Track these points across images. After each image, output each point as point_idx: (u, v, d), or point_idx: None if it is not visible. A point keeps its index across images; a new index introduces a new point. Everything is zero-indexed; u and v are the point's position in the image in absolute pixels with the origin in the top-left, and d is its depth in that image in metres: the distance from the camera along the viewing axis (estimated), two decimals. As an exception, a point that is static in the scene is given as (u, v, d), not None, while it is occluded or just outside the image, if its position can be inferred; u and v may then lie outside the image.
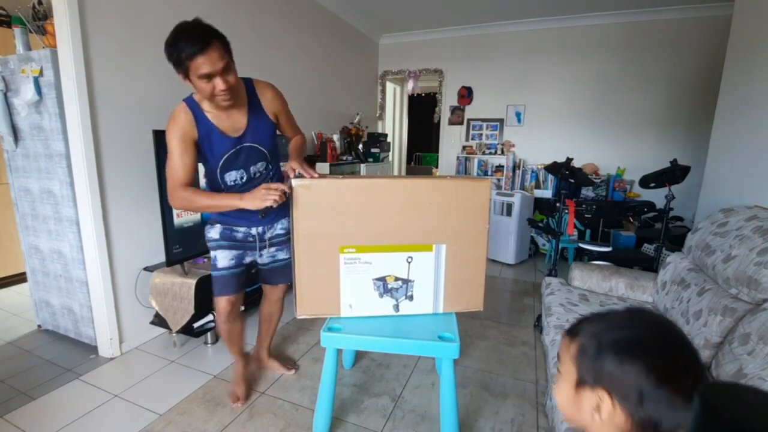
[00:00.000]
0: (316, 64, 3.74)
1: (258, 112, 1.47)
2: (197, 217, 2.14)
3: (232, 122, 1.42)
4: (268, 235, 1.63)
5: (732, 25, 2.37)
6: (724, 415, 0.34)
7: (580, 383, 0.58)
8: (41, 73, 1.85)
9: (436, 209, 1.37)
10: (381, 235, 1.37)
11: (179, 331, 2.09)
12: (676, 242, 2.83)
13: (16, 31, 1.94)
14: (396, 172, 5.84)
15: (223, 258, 1.56)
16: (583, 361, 0.58)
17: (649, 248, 3.21)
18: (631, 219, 3.60)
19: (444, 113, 4.87)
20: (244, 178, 1.50)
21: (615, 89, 4.06)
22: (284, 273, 1.73)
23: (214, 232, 1.57)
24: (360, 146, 4.15)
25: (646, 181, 2.47)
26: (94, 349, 2.09)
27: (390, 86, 5.39)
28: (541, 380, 1.91)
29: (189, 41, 1.19)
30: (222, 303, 1.59)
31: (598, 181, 3.94)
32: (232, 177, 1.48)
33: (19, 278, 2.96)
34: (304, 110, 3.62)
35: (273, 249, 1.66)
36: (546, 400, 1.58)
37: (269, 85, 1.52)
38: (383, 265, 1.40)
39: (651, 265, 2.59)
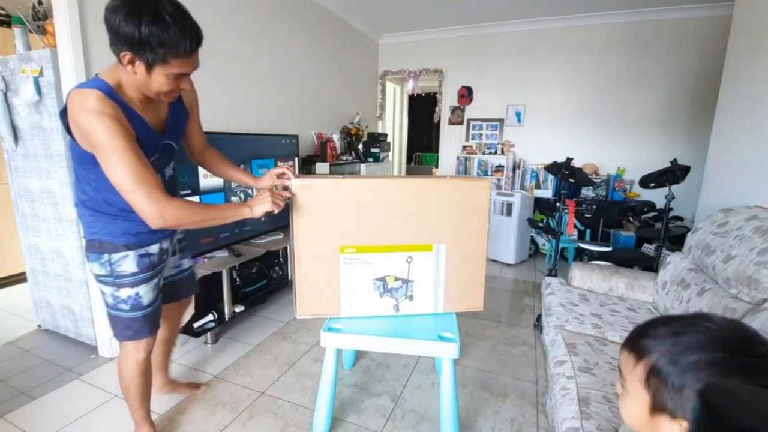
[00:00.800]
0: (316, 64, 3.74)
1: (178, 104, 1.27)
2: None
3: (158, 115, 1.19)
4: (174, 241, 1.42)
5: (732, 25, 2.37)
6: (724, 415, 0.34)
7: (656, 409, 0.53)
8: (41, 73, 1.85)
9: (436, 209, 1.37)
10: (381, 235, 1.37)
11: (179, 331, 2.09)
12: (676, 242, 2.82)
13: (16, 31, 1.94)
14: (396, 172, 5.84)
15: (147, 292, 1.27)
16: (660, 388, 0.52)
17: (649, 248, 3.21)
18: (631, 219, 3.60)
19: (444, 113, 4.87)
20: (164, 178, 1.29)
21: (615, 89, 4.05)
22: (191, 283, 1.54)
23: (128, 264, 1.22)
24: (360, 146, 4.15)
25: (646, 181, 2.47)
26: (94, 349, 2.09)
27: (390, 86, 5.39)
28: (541, 380, 1.91)
29: (182, 33, 0.99)
30: (138, 349, 1.31)
31: (598, 181, 3.94)
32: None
33: (19, 278, 2.96)
34: (304, 110, 3.62)
35: (177, 257, 1.45)
36: (546, 400, 1.58)
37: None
38: (383, 265, 1.40)
39: (651, 265, 2.59)
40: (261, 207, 1.17)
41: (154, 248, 1.30)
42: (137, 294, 1.26)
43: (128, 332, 1.29)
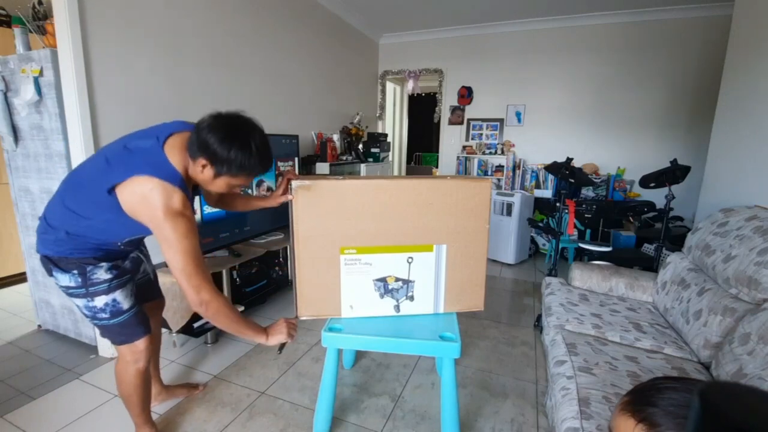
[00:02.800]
0: (316, 64, 3.74)
1: None
2: (197, 216, 2.14)
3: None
4: (142, 248, 1.45)
5: (732, 25, 2.37)
6: (724, 415, 0.34)
7: None
8: (41, 73, 1.85)
9: (436, 209, 1.37)
10: (381, 235, 1.37)
11: (179, 331, 2.09)
12: (676, 242, 2.83)
13: (16, 31, 1.94)
14: (396, 172, 5.84)
15: (124, 297, 1.28)
16: None
17: (649, 248, 3.21)
18: (631, 219, 3.60)
19: (444, 113, 4.87)
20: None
21: (615, 89, 4.06)
22: (157, 286, 1.58)
23: (102, 273, 1.22)
24: (360, 146, 4.15)
25: (646, 181, 2.47)
26: (94, 349, 2.09)
27: (390, 86, 5.39)
28: (541, 380, 1.91)
29: (259, 164, 1.13)
30: (142, 345, 1.32)
31: (598, 181, 3.94)
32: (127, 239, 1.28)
33: (19, 278, 2.96)
34: (304, 110, 3.62)
35: (144, 263, 1.47)
36: (546, 400, 1.58)
37: None
38: (384, 265, 1.40)
39: (651, 265, 2.59)
40: (277, 338, 1.26)
41: (126, 257, 1.33)
42: (114, 300, 1.25)
43: (121, 337, 1.29)
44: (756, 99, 2.07)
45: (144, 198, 1.06)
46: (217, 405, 1.70)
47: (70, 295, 1.24)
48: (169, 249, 1.08)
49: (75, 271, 1.20)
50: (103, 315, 1.25)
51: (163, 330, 2.16)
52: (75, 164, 1.88)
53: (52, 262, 1.21)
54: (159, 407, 1.67)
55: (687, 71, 3.77)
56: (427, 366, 2.02)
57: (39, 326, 2.34)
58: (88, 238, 1.19)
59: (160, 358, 1.95)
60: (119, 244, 1.26)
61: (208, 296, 1.11)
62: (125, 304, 1.28)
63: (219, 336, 2.27)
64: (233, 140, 1.07)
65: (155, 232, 1.09)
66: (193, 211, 1.17)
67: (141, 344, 1.32)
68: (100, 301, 1.23)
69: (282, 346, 1.31)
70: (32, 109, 1.94)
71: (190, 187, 1.17)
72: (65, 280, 1.21)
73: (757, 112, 2.05)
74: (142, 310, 1.36)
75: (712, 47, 3.57)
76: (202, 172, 1.12)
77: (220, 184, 1.15)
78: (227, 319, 1.16)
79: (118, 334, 1.29)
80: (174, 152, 1.12)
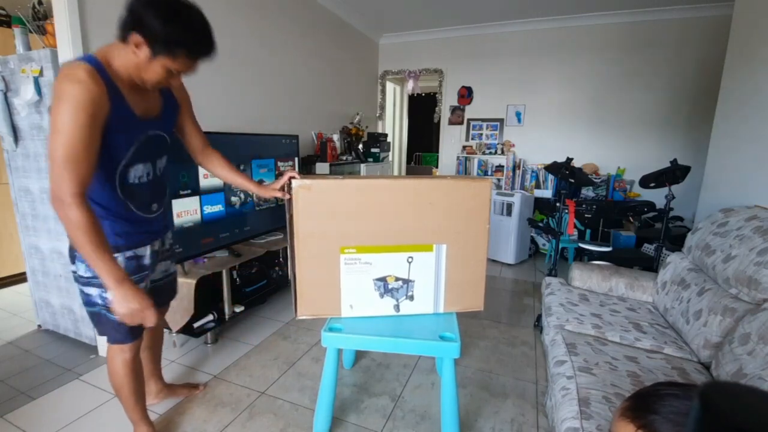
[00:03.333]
0: (316, 64, 3.74)
1: (169, 95, 1.27)
2: (198, 217, 2.14)
3: (146, 102, 1.16)
4: (165, 245, 1.40)
5: (732, 25, 2.37)
6: (724, 415, 0.34)
7: None
8: (41, 73, 1.85)
9: (436, 209, 1.37)
10: (381, 235, 1.37)
11: (179, 331, 2.09)
12: (676, 242, 2.83)
13: (16, 31, 1.94)
14: (396, 172, 5.84)
15: None
16: None
17: (649, 248, 3.21)
18: (631, 219, 3.60)
19: (444, 113, 4.87)
20: (150, 174, 1.24)
21: (615, 89, 4.06)
22: (173, 288, 1.53)
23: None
24: (360, 146, 4.15)
25: (646, 181, 2.47)
26: (94, 349, 2.09)
27: (390, 86, 5.39)
28: (541, 380, 1.91)
29: (205, 40, 1.05)
30: (124, 350, 1.29)
31: (598, 181, 3.94)
32: (138, 172, 1.19)
33: (19, 278, 2.96)
34: (305, 110, 3.62)
35: (168, 262, 1.44)
36: (546, 400, 1.58)
37: None
38: (384, 265, 1.40)
39: (651, 265, 2.59)
40: (118, 304, 1.07)
41: (143, 250, 1.26)
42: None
43: (118, 335, 1.27)
44: (756, 99, 2.07)
45: (54, 86, 0.99)
46: (217, 405, 1.70)
47: (86, 284, 1.20)
48: (53, 126, 0.97)
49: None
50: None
51: (164, 330, 2.17)
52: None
53: (74, 248, 1.18)
54: (158, 407, 1.67)
55: (687, 71, 3.77)
56: (427, 366, 2.02)
57: (39, 326, 2.34)
58: (100, 193, 1.13)
59: (161, 357, 1.95)
60: (116, 186, 1.16)
61: (59, 203, 0.99)
62: None
63: (219, 336, 2.27)
64: (170, 12, 0.98)
65: (51, 123, 0.99)
66: (114, 109, 1.05)
67: (131, 347, 1.31)
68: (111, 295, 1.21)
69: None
70: (32, 109, 1.94)
71: (123, 87, 1.07)
72: (83, 269, 1.19)
73: (758, 112, 2.05)
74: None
75: (712, 47, 3.57)
76: (136, 53, 1.01)
77: (156, 70, 1.04)
78: (76, 234, 1.01)
79: (117, 331, 1.26)
80: (97, 51, 1.07)
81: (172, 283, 1.51)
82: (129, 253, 1.22)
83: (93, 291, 1.22)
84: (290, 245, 1.37)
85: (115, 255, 1.16)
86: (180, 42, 1.01)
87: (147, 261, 1.28)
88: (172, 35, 1.00)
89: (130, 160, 1.16)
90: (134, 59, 1.04)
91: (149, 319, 1.11)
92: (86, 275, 1.20)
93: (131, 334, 1.28)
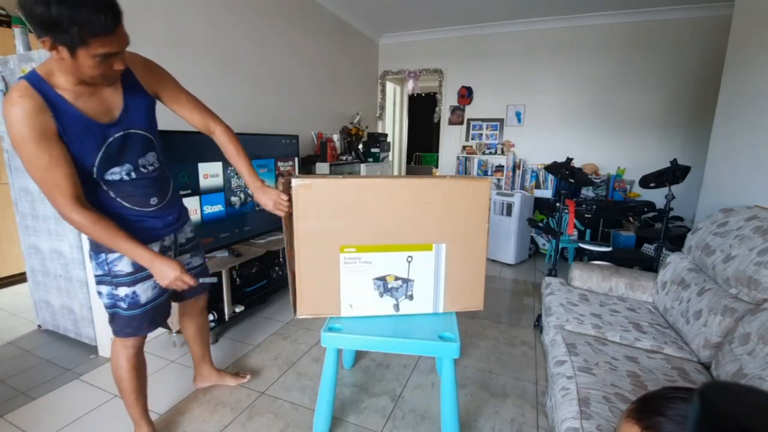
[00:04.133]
0: (317, 64, 3.74)
1: (134, 88, 1.19)
2: (198, 217, 2.14)
3: (103, 103, 1.11)
4: (179, 241, 1.43)
5: (732, 25, 2.37)
6: (724, 415, 0.34)
7: None
8: (41, 73, 1.85)
9: (436, 209, 1.37)
10: (381, 234, 1.37)
11: (179, 331, 2.09)
12: (676, 242, 2.83)
13: (16, 31, 1.94)
14: (396, 172, 5.84)
15: (145, 290, 1.29)
16: None
17: (649, 248, 3.21)
18: (631, 219, 3.60)
19: (444, 113, 4.88)
20: (132, 174, 1.21)
21: (615, 89, 4.06)
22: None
23: (123, 264, 1.23)
24: (360, 146, 4.15)
25: (646, 181, 2.47)
26: (94, 349, 2.09)
27: (390, 86, 5.39)
28: (541, 380, 1.91)
29: (98, 11, 0.91)
30: (126, 345, 1.33)
31: (598, 181, 3.94)
32: (116, 175, 1.17)
33: (19, 278, 2.96)
34: (305, 110, 3.62)
35: (187, 256, 1.48)
36: (546, 400, 1.58)
37: (137, 54, 1.20)
38: (383, 264, 1.40)
39: (651, 265, 2.59)
40: (160, 273, 1.18)
41: (152, 246, 1.29)
42: (134, 293, 1.28)
43: (128, 330, 1.31)
44: (756, 99, 2.07)
45: (3, 109, 0.98)
46: (217, 405, 1.70)
47: (99, 282, 1.27)
48: (31, 175, 1.03)
49: (102, 259, 1.23)
50: (122, 305, 1.28)
51: (164, 330, 2.17)
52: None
53: (90, 246, 1.26)
54: (159, 407, 1.67)
55: (687, 71, 3.77)
56: (427, 366, 2.02)
57: (39, 326, 2.34)
58: (91, 198, 1.15)
59: (161, 357, 1.96)
60: (111, 196, 1.18)
61: (64, 217, 1.07)
62: (143, 298, 1.30)
63: (219, 336, 2.27)
64: (49, 2, 0.87)
65: (17, 153, 1.01)
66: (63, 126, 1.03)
67: (137, 341, 1.35)
68: (122, 291, 1.26)
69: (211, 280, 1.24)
70: (32, 109, 1.94)
71: (70, 94, 1.04)
72: (95, 267, 1.26)
73: (758, 112, 2.05)
74: (159, 308, 1.36)
75: (712, 47, 3.57)
76: (60, 57, 0.95)
77: (87, 63, 0.96)
78: (93, 233, 1.09)
79: (127, 326, 1.30)
80: (42, 63, 1.06)
81: (200, 275, 1.50)
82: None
83: (103, 289, 1.28)
84: (287, 244, 1.37)
85: (121, 254, 1.21)
86: (72, 21, 0.89)
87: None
88: (59, 16, 0.87)
89: (102, 164, 1.13)
90: (64, 64, 0.98)
91: (189, 281, 1.20)
92: (97, 273, 1.27)
93: (143, 327, 1.33)
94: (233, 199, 2.37)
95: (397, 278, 1.42)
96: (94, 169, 1.13)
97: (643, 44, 3.88)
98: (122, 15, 0.98)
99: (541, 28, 4.21)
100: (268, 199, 1.34)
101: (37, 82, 1.01)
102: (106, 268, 1.24)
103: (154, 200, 1.28)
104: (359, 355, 2.09)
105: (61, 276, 2.11)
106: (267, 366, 2.00)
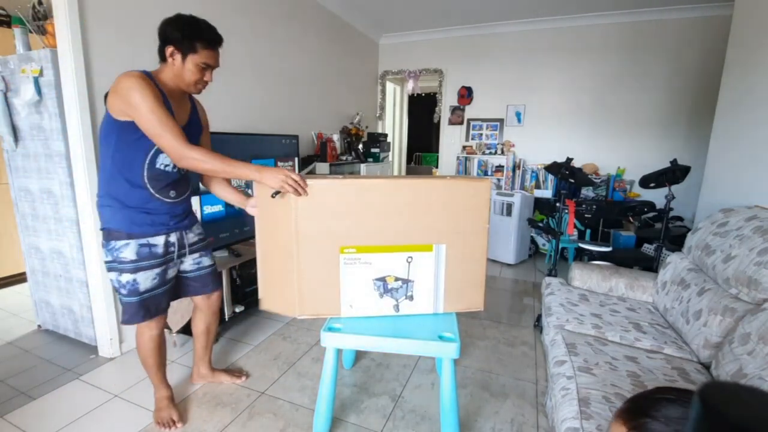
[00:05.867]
0: (316, 64, 3.74)
1: (195, 113, 1.54)
2: (197, 217, 2.14)
3: (181, 112, 1.44)
4: (186, 240, 1.55)
5: (732, 25, 2.37)
6: (724, 415, 0.34)
7: None
8: (41, 73, 1.85)
9: (435, 209, 1.37)
10: (381, 235, 1.37)
11: (179, 331, 2.09)
12: (676, 242, 2.83)
13: (16, 31, 1.94)
14: (396, 172, 5.84)
15: (144, 279, 1.42)
16: None
17: (649, 248, 3.21)
18: (631, 219, 3.60)
19: (444, 113, 4.87)
20: (168, 168, 1.43)
21: (615, 89, 4.06)
22: (213, 280, 1.68)
23: (128, 252, 1.38)
24: (360, 146, 4.15)
25: (646, 181, 2.47)
26: (94, 349, 2.09)
27: (390, 86, 5.39)
28: (541, 380, 1.91)
29: (212, 32, 1.36)
30: (150, 327, 1.50)
31: (598, 181, 3.94)
32: (166, 160, 1.40)
33: (19, 278, 2.96)
34: (305, 110, 3.62)
35: (196, 255, 1.60)
36: (546, 400, 1.58)
37: (200, 102, 1.61)
38: (383, 265, 1.40)
39: (651, 265, 2.59)
40: (270, 177, 1.27)
41: (157, 240, 1.43)
42: (134, 280, 1.40)
43: (125, 316, 1.45)
44: (756, 99, 2.07)
45: (117, 86, 1.26)
46: (217, 405, 1.70)
47: (108, 269, 1.42)
48: (137, 114, 1.26)
49: (111, 246, 1.38)
50: (123, 291, 1.42)
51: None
52: (75, 164, 1.88)
53: (102, 235, 1.41)
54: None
55: (687, 71, 3.77)
56: (427, 366, 2.02)
57: (39, 326, 2.34)
58: (120, 187, 1.36)
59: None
60: (144, 179, 1.38)
61: (179, 156, 1.29)
62: (142, 287, 1.42)
63: (219, 336, 2.27)
64: (184, 22, 1.33)
65: (126, 106, 1.26)
66: (163, 104, 1.30)
67: (149, 326, 1.49)
68: (125, 278, 1.40)
69: (276, 192, 1.27)
70: (32, 109, 1.94)
71: (165, 90, 1.35)
72: (105, 254, 1.40)
73: (757, 112, 2.05)
74: (157, 299, 1.47)
75: (712, 47, 3.57)
76: (173, 62, 1.34)
77: (190, 68, 1.34)
78: (206, 162, 1.29)
79: (124, 312, 1.44)
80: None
81: (210, 274, 1.67)
82: (142, 241, 1.40)
83: (112, 275, 1.41)
84: (291, 245, 1.37)
85: (127, 242, 1.38)
86: (194, 37, 1.32)
87: (159, 250, 1.44)
88: (188, 34, 1.32)
89: (159, 151, 1.37)
90: (174, 69, 1.35)
91: (295, 177, 1.26)
92: (107, 259, 1.41)
93: (138, 315, 1.44)
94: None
95: (397, 279, 1.42)
96: (153, 150, 1.36)
97: (643, 44, 3.88)
98: (222, 42, 1.41)
99: (541, 28, 4.21)
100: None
101: (148, 74, 1.33)
102: (114, 255, 1.38)
103: (172, 193, 1.46)
104: (359, 355, 2.09)
105: (61, 276, 2.11)
106: (267, 366, 2.00)
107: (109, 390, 1.78)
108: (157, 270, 1.44)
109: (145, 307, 1.45)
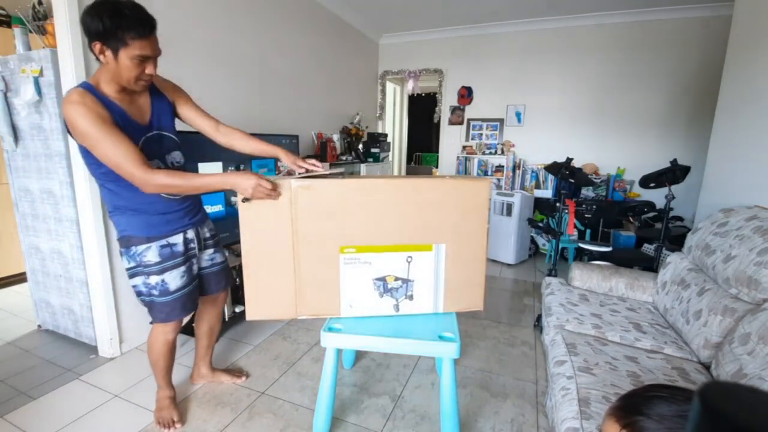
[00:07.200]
0: (316, 64, 3.73)
1: (158, 94, 1.41)
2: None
3: (139, 109, 1.33)
4: (202, 235, 1.55)
5: (732, 25, 2.37)
6: (724, 415, 0.34)
7: None
8: (41, 73, 1.85)
9: (436, 209, 1.37)
10: (381, 235, 1.37)
11: (180, 331, 2.08)
12: (676, 242, 2.83)
13: (16, 31, 1.94)
14: (396, 172, 5.84)
15: (173, 279, 1.42)
16: None
17: (649, 248, 3.21)
18: (631, 219, 3.60)
19: (444, 113, 4.87)
20: (170, 164, 1.43)
21: (615, 89, 4.05)
22: (225, 277, 1.68)
23: (151, 255, 1.37)
24: (360, 146, 4.15)
25: (646, 181, 2.47)
26: (94, 349, 2.09)
27: (390, 86, 5.39)
28: (541, 380, 1.91)
29: (137, 20, 1.16)
30: (173, 327, 1.50)
31: (598, 181, 3.94)
32: (156, 161, 1.37)
33: (19, 278, 2.96)
34: (304, 110, 3.62)
35: (210, 251, 1.61)
36: (546, 400, 1.58)
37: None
38: (383, 264, 1.40)
39: (651, 265, 2.59)
40: (243, 183, 1.24)
41: (175, 238, 1.43)
42: (163, 281, 1.41)
43: (161, 315, 1.45)
44: (756, 99, 2.07)
45: (64, 110, 1.17)
46: (217, 405, 1.70)
47: (132, 275, 1.41)
48: (90, 145, 1.18)
49: (132, 252, 1.37)
50: (155, 292, 1.41)
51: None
52: (75, 164, 1.88)
53: (120, 244, 1.39)
54: (159, 407, 1.67)
55: (687, 71, 3.77)
56: (427, 366, 2.02)
57: (39, 326, 2.34)
58: (124, 204, 1.33)
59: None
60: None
61: (143, 184, 1.21)
62: (172, 286, 1.42)
63: (219, 336, 2.26)
64: (102, 8, 1.14)
65: (85, 143, 1.19)
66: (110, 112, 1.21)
67: (172, 326, 1.49)
68: (153, 279, 1.40)
69: (246, 198, 1.28)
70: (32, 109, 1.94)
71: (115, 99, 1.25)
72: (126, 262, 1.40)
73: (758, 112, 2.05)
74: (189, 295, 1.48)
75: (712, 47, 3.57)
76: (105, 60, 1.19)
77: (126, 64, 1.19)
78: (174, 183, 1.23)
79: (160, 312, 1.44)
80: (90, 78, 1.28)
81: (223, 271, 1.67)
82: (162, 242, 1.40)
83: (138, 280, 1.41)
84: (290, 245, 1.37)
85: (148, 245, 1.37)
86: (120, 26, 1.14)
87: (180, 248, 1.44)
88: (112, 25, 1.14)
89: None
90: (109, 67, 1.21)
91: (266, 185, 1.24)
92: (130, 266, 1.39)
93: (175, 312, 1.45)
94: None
95: (397, 278, 1.42)
96: None
97: (643, 44, 3.88)
98: (156, 26, 1.22)
99: (541, 28, 4.21)
100: (298, 163, 1.47)
101: (88, 87, 1.22)
102: (138, 259, 1.38)
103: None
104: (359, 355, 2.09)
105: (61, 276, 2.11)
106: (267, 366, 2.00)
107: (109, 390, 1.78)
108: (182, 268, 1.45)
109: (181, 305, 1.46)
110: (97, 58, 1.20)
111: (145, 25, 1.18)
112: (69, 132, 1.21)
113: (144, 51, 1.20)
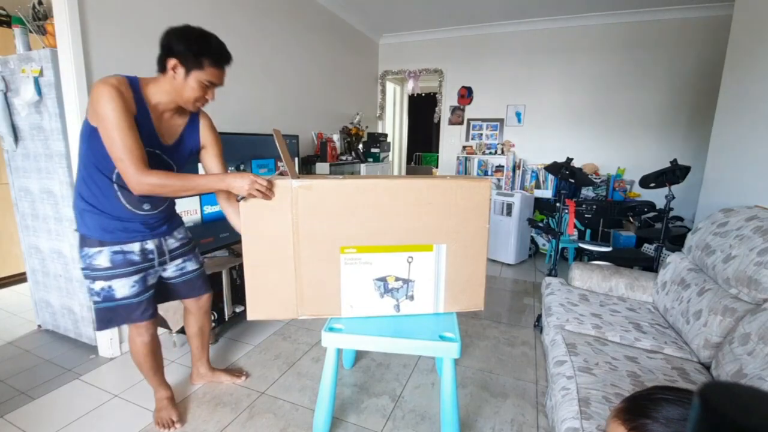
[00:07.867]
0: (316, 64, 3.74)
1: (193, 131, 1.45)
2: (198, 217, 2.14)
3: (168, 127, 1.36)
4: (166, 247, 1.49)
5: (732, 25, 2.37)
6: (724, 415, 0.34)
7: None
8: (41, 73, 1.85)
9: (436, 209, 1.37)
10: (381, 235, 1.37)
11: (179, 331, 2.09)
12: (676, 242, 2.83)
13: (16, 31, 1.94)
14: (396, 172, 5.84)
15: (122, 287, 1.37)
16: None
17: (649, 248, 3.21)
18: (631, 219, 3.60)
19: (444, 113, 4.87)
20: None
21: (615, 89, 4.05)
22: (203, 283, 1.66)
23: (102, 259, 1.33)
24: (360, 146, 4.15)
25: (646, 181, 2.47)
26: (94, 349, 2.09)
27: (390, 86, 5.39)
28: (541, 380, 1.91)
29: (222, 49, 1.29)
30: (146, 328, 1.45)
31: (598, 181, 3.94)
32: None
33: (19, 278, 2.96)
34: (304, 110, 3.62)
35: (179, 261, 1.55)
36: (546, 400, 1.58)
37: (208, 115, 1.51)
38: (384, 265, 1.40)
39: (651, 265, 2.59)
40: (238, 183, 1.24)
41: (131, 247, 1.38)
42: (110, 287, 1.36)
43: (100, 323, 1.41)
44: (756, 99, 2.07)
45: (92, 90, 1.19)
46: (217, 405, 1.70)
47: (83, 276, 1.37)
48: (102, 127, 1.18)
49: (84, 253, 1.33)
50: (97, 298, 1.38)
51: (164, 330, 2.17)
52: (75, 164, 1.88)
53: (78, 240, 1.36)
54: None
55: (687, 71, 3.77)
56: (427, 366, 2.02)
57: (39, 326, 2.34)
58: (92, 192, 1.30)
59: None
60: (115, 189, 1.30)
61: (136, 182, 1.20)
62: (119, 294, 1.37)
63: (219, 336, 2.27)
64: (191, 35, 1.24)
65: (99, 124, 1.18)
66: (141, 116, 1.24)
67: (142, 323, 1.44)
68: (98, 285, 1.36)
69: (242, 197, 1.28)
70: (32, 109, 1.94)
71: (151, 108, 1.28)
72: (79, 260, 1.38)
73: (757, 112, 2.05)
74: (135, 306, 1.41)
75: (712, 47, 3.57)
76: (174, 76, 1.24)
77: (192, 85, 1.26)
78: (167, 185, 1.23)
79: (99, 320, 1.40)
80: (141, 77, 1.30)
81: (197, 278, 1.63)
82: (115, 248, 1.35)
83: (86, 282, 1.37)
84: (290, 245, 1.37)
85: (100, 249, 1.33)
86: (203, 53, 1.24)
87: (135, 257, 1.39)
88: (196, 49, 1.23)
89: None
90: (174, 82, 1.26)
91: (262, 182, 1.24)
92: (81, 266, 1.36)
93: (114, 321, 1.40)
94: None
95: (397, 279, 1.42)
96: None
97: (643, 44, 3.88)
98: (231, 62, 1.34)
99: (541, 28, 4.21)
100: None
101: (134, 81, 1.25)
102: (87, 261, 1.34)
103: (146, 206, 1.39)
104: (359, 355, 2.09)
105: (61, 276, 2.11)
106: (267, 366, 2.00)
107: (109, 390, 1.78)
108: (135, 277, 1.38)
109: (121, 315, 1.40)
110: (162, 70, 1.26)
111: (225, 57, 1.30)
112: (87, 111, 1.22)
113: (213, 78, 1.29)
